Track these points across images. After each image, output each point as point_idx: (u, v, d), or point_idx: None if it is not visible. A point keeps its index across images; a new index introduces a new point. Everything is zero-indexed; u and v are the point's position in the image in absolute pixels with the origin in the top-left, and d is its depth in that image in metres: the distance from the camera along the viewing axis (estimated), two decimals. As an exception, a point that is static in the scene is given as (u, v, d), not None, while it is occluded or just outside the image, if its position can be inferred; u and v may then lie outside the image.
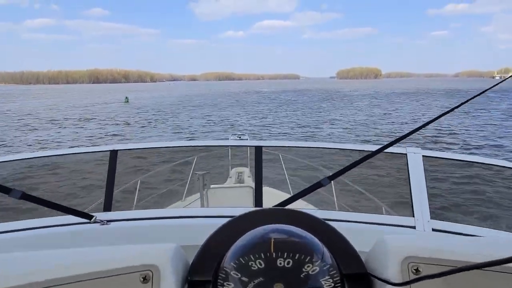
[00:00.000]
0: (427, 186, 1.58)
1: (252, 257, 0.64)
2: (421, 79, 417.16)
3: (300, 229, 0.72)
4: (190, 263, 0.73)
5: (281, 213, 0.78)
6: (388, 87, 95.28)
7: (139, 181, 3.61)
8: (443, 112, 1.26)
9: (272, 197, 2.05)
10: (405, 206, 1.67)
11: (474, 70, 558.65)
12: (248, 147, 4.14)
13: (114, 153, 1.75)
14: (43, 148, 15.14)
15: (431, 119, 1.23)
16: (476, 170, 8.00)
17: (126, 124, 22.57)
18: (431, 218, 1.53)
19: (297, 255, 0.64)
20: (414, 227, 1.51)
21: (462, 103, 1.27)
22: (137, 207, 3.39)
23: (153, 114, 29.33)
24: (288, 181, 4.35)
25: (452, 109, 1.27)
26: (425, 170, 1.63)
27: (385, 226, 1.53)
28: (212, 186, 3.26)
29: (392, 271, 0.66)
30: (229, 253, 0.68)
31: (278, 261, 0.63)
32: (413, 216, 1.53)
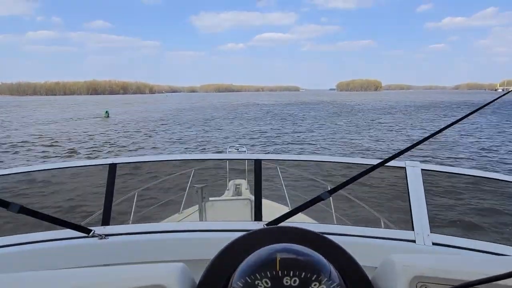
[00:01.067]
0: (426, 200, 1.58)
1: (258, 276, 0.64)
2: (420, 91, 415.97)
3: (307, 248, 0.71)
4: (197, 282, 0.72)
5: (288, 231, 0.77)
6: (397, 99, 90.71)
7: (135, 194, 3.50)
8: (445, 126, 1.21)
9: (271, 210, 1.96)
10: (405, 219, 1.64)
11: (474, 82, 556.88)
12: (246, 160, 4.35)
13: (113, 167, 1.73)
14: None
15: (431, 133, 1.23)
16: (476, 184, 7.90)
17: (71, 153, 15.79)
18: (431, 232, 1.52)
19: (303, 273, 0.63)
20: (414, 241, 1.51)
21: (463, 117, 1.23)
22: (134, 220, 3.30)
23: (127, 136, 22.69)
24: (286, 193, 4.15)
25: (454, 123, 1.22)
26: (424, 183, 1.63)
27: (385, 240, 1.51)
28: (210, 198, 3.18)
29: None
30: (236, 273, 0.68)
31: (285, 280, 0.63)
32: (413, 230, 1.53)
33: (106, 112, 39.36)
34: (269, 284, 0.63)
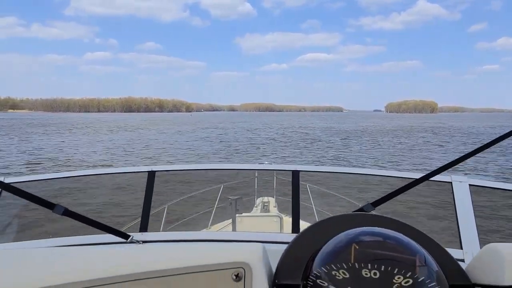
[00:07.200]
0: (475, 216, 1.51)
1: (333, 267, 0.60)
2: (476, 114, 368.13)
3: (395, 232, 0.64)
4: (273, 269, 0.70)
5: (372, 220, 0.72)
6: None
7: (166, 208, 3.52)
8: (494, 139, 1.12)
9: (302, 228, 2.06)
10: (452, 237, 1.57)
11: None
12: (275, 176, 4.55)
13: (151, 174, 1.76)
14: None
15: (480, 146, 1.12)
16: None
17: None
18: None
19: (383, 266, 0.57)
20: (463, 260, 1.41)
21: None
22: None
23: None
24: (315, 212, 4.14)
25: (506, 136, 1.09)
26: (472, 199, 1.56)
27: None
28: (238, 215, 3.28)
29: (509, 279, 0.60)
30: (316, 260, 0.65)
31: (364, 272, 0.58)
32: (461, 249, 1.46)
33: None
34: (347, 275, 0.58)
